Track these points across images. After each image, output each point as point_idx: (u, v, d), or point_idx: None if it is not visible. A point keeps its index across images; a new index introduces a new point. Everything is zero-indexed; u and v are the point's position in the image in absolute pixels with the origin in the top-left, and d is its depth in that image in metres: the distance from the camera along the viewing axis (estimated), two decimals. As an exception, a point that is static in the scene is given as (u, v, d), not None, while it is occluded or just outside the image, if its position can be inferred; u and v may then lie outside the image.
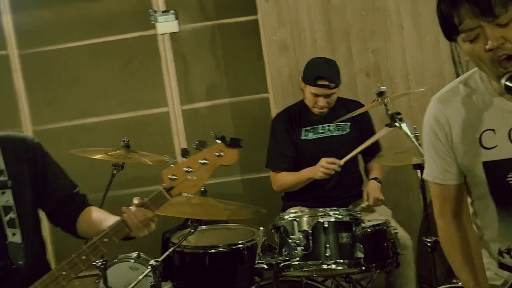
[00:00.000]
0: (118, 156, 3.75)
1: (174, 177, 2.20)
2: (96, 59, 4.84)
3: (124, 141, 3.79)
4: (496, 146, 1.90)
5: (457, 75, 4.33)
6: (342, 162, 3.67)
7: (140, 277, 3.45)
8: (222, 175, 4.80)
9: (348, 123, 3.99)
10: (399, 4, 4.45)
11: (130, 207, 2.29)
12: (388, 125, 3.38)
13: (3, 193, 2.41)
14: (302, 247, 3.14)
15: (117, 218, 2.35)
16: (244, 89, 4.81)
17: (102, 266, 3.69)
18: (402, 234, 3.67)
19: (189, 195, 3.39)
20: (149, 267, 3.40)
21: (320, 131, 4.00)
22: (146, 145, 4.66)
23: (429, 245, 3.53)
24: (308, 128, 4.00)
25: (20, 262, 2.36)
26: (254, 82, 4.78)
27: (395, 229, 3.47)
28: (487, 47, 1.73)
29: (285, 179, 3.97)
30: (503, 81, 1.75)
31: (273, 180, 4.04)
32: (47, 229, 4.42)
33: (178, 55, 4.79)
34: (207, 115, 4.86)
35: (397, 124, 3.33)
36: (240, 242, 3.64)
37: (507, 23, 1.72)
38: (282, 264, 3.13)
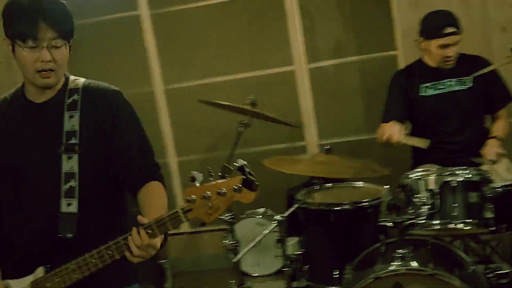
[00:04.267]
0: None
1: (194, 198, 2.01)
2: (223, 18, 4.91)
3: (250, 98, 3.83)
4: None
5: None
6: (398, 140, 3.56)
7: (266, 232, 3.51)
8: (349, 134, 4.78)
9: (470, 78, 3.85)
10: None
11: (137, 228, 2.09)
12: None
13: (69, 158, 2.28)
14: (428, 206, 3.08)
15: (159, 208, 2.21)
16: (371, 46, 4.73)
17: (230, 220, 3.79)
18: None
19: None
20: (275, 222, 3.45)
21: (441, 87, 3.89)
22: (271, 104, 4.71)
23: None
24: (427, 84, 3.91)
25: (69, 235, 2.24)
26: (382, 40, 4.69)
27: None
28: None
29: (379, 130, 3.87)
30: None
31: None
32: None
33: (305, 12, 4.77)
34: (333, 74, 4.82)
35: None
36: (365, 200, 3.63)
37: None
38: (407, 222, 3.09)
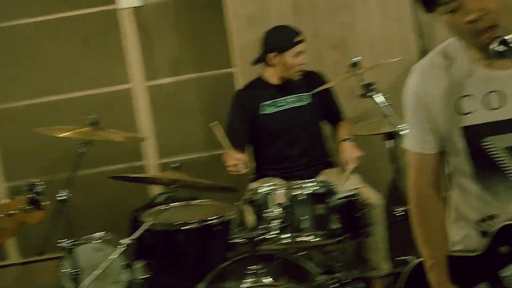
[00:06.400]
0: (85, 133, 3.67)
1: None
2: (55, 35, 4.71)
3: (90, 118, 3.70)
4: (473, 111, 1.93)
5: (421, 47, 4.37)
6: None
7: (114, 256, 3.38)
8: (189, 152, 4.75)
9: (308, 94, 4.00)
10: (364, -23, 4.43)
11: None
12: (361, 96, 3.38)
13: None
14: (279, 220, 3.12)
15: None
16: (209, 64, 4.74)
17: (69, 247, 3.62)
18: (373, 196, 3.70)
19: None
20: (122, 247, 3.34)
21: (280, 104, 4.00)
22: (110, 123, 4.50)
23: (400, 214, 3.59)
24: (268, 102, 4.00)
25: None
26: (220, 57, 4.71)
27: (367, 199, 3.49)
28: (467, 19, 1.75)
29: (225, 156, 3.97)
30: (493, 46, 1.74)
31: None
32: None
33: (142, 29, 4.68)
34: (172, 91, 4.78)
35: (370, 94, 3.33)
36: (212, 218, 3.61)
37: None
38: (259, 238, 3.11)
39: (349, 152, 3.84)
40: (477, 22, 1.75)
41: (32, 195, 1.90)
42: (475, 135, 1.94)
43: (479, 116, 1.92)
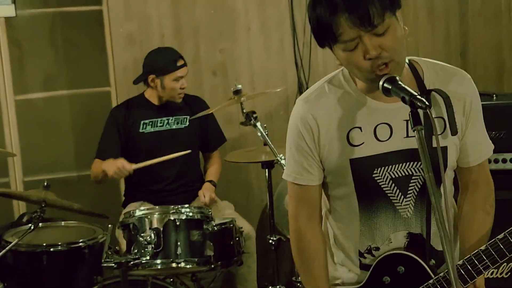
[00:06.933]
0: None
1: None
2: None
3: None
4: (363, 143, 1.95)
5: (299, 79, 4.48)
6: (132, 168, 3.67)
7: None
8: (58, 170, 4.56)
9: (188, 117, 3.99)
10: (247, 6, 4.48)
11: None
12: (243, 123, 3.40)
13: None
14: (153, 245, 3.05)
15: None
16: (84, 81, 4.59)
17: None
18: (246, 227, 3.69)
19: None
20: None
21: (159, 124, 3.98)
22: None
23: (273, 243, 3.63)
24: (146, 121, 3.96)
25: None
26: (96, 75, 4.58)
27: (241, 227, 3.49)
28: (367, 56, 1.79)
29: (94, 166, 3.91)
30: (382, 83, 1.79)
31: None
32: None
33: (13, 41, 4.45)
34: (43, 107, 4.59)
35: (252, 122, 3.36)
36: (81, 240, 3.48)
37: (383, 33, 1.79)
38: (131, 263, 3.02)
39: (206, 191, 3.89)
40: (375, 59, 1.80)
41: None
42: (363, 167, 1.95)
43: (368, 148, 1.95)
